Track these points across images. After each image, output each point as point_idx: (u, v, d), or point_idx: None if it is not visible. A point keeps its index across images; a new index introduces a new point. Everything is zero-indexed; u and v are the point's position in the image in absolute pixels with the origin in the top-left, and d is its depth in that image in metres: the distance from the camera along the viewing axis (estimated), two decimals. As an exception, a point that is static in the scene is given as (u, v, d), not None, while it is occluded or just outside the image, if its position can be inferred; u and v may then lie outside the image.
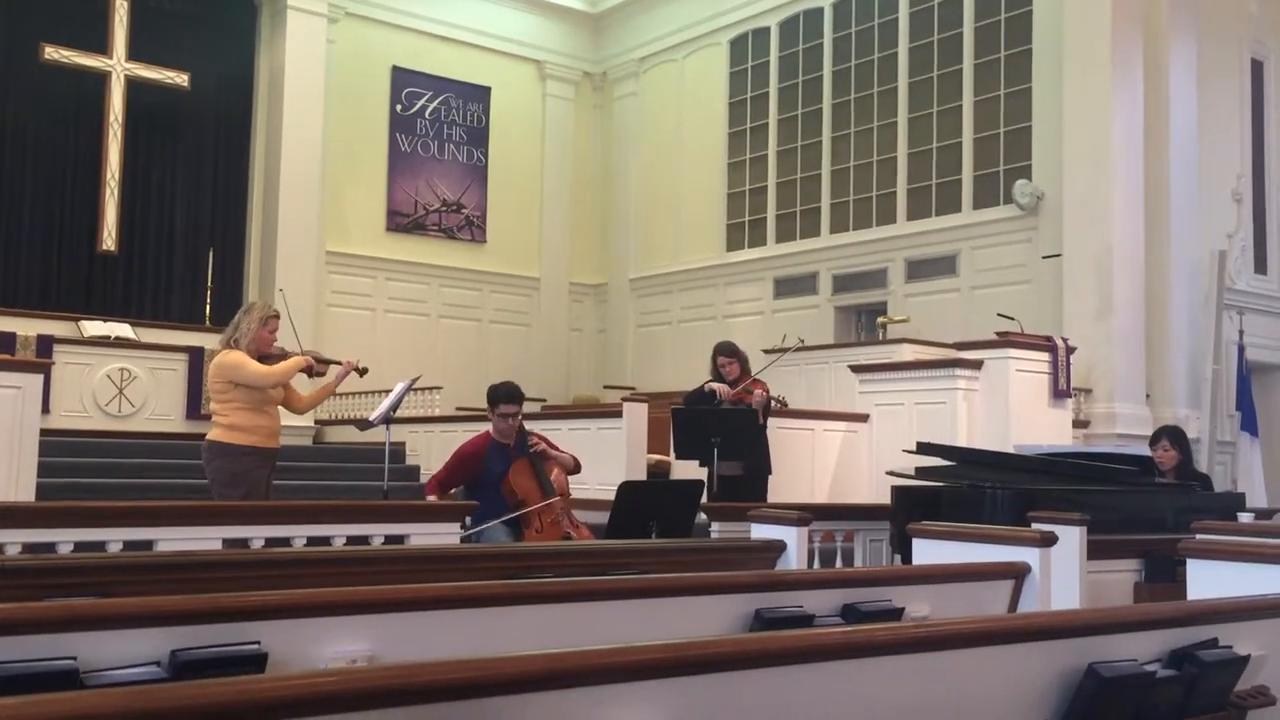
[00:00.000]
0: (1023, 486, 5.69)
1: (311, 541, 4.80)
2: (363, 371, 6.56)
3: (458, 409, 12.85)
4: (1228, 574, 3.41)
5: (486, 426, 6.53)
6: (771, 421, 8.60)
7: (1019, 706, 2.49)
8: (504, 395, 6.37)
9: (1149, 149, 11.10)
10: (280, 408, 6.30)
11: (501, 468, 6.19)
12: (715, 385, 7.76)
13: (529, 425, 6.66)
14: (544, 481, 6.18)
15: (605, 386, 15.68)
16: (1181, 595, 3.76)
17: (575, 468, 6.48)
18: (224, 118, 14.15)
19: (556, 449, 6.47)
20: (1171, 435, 7.15)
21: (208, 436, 6.12)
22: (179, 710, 1.46)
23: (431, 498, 6.19)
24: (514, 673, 1.78)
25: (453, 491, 6.42)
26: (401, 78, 15.26)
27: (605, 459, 8.66)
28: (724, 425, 7.49)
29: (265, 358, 6.21)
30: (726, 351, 7.86)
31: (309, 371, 6.34)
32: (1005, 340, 8.86)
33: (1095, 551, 4.70)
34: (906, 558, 4.91)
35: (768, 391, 7.79)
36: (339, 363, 6.58)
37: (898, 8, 13.29)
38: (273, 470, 6.27)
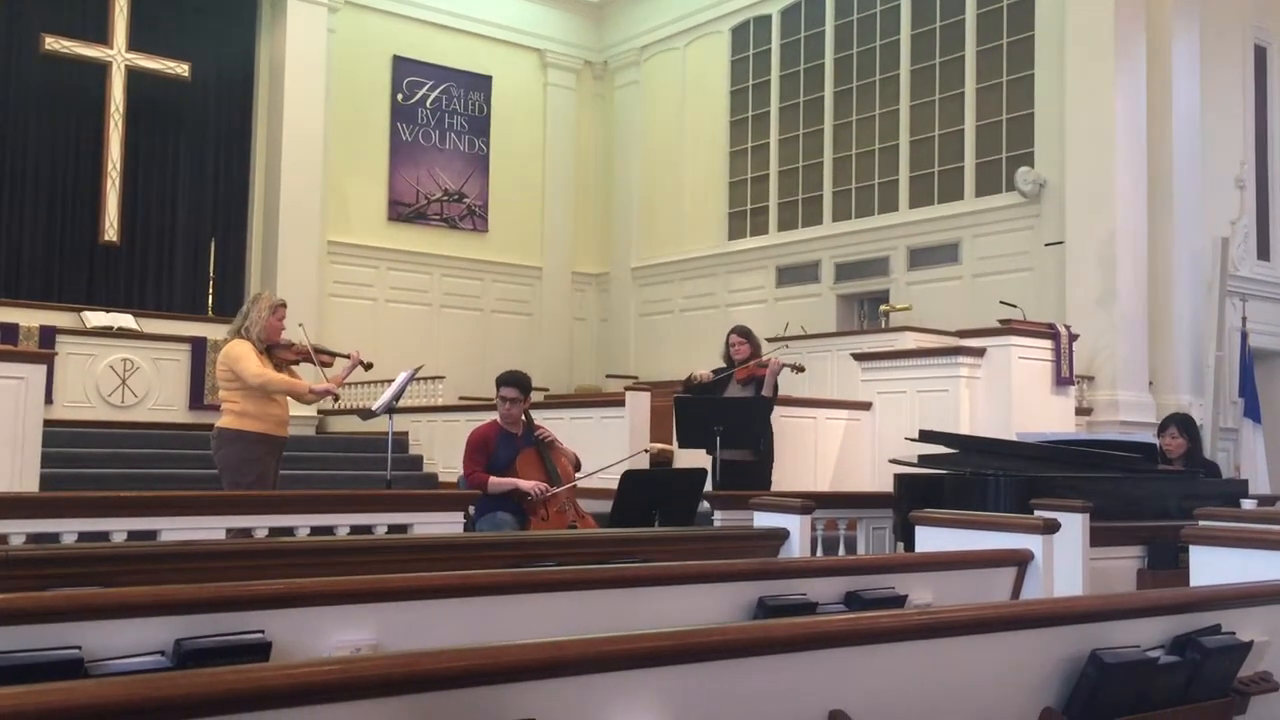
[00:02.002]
0: (1025, 474, 5.69)
1: (315, 531, 4.81)
2: (368, 366, 6.58)
3: (460, 399, 12.86)
4: (1231, 560, 3.41)
5: (492, 416, 6.55)
6: (775, 409, 8.59)
7: (1022, 693, 2.49)
8: (503, 379, 6.41)
9: (1152, 135, 11.08)
10: (288, 398, 6.33)
11: (509, 455, 6.21)
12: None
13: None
14: (551, 470, 6.21)
15: (608, 376, 15.68)
16: (1184, 582, 3.77)
17: (576, 465, 6.50)
18: (225, 108, 14.14)
19: (560, 445, 6.49)
20: (1180, 423, 7.12)
21: (217, 424, 6.15)
22: (183, 699, 1.46)
23: (490, 478, 6.13)
24: (517, 661, 1.78)
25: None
26: (402, 67, 15.23)
27: (608, 448, 8.66)
28: (726, 413, 7.49)
29: (274, 347, 6.24)
30: (739, 332, 7.92)
31: (329, 394, 6.40)
32: (1008, 328, 8.85)
33: (1098, 539, 4.70)
34: (909, 545, 4.91)
35: (781, 361, 7.77)
36: (345, 356, 6.60)
37: (899, -5, 13.26)
38: (280, 458, 6.30)
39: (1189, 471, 6.78)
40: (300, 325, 6.63)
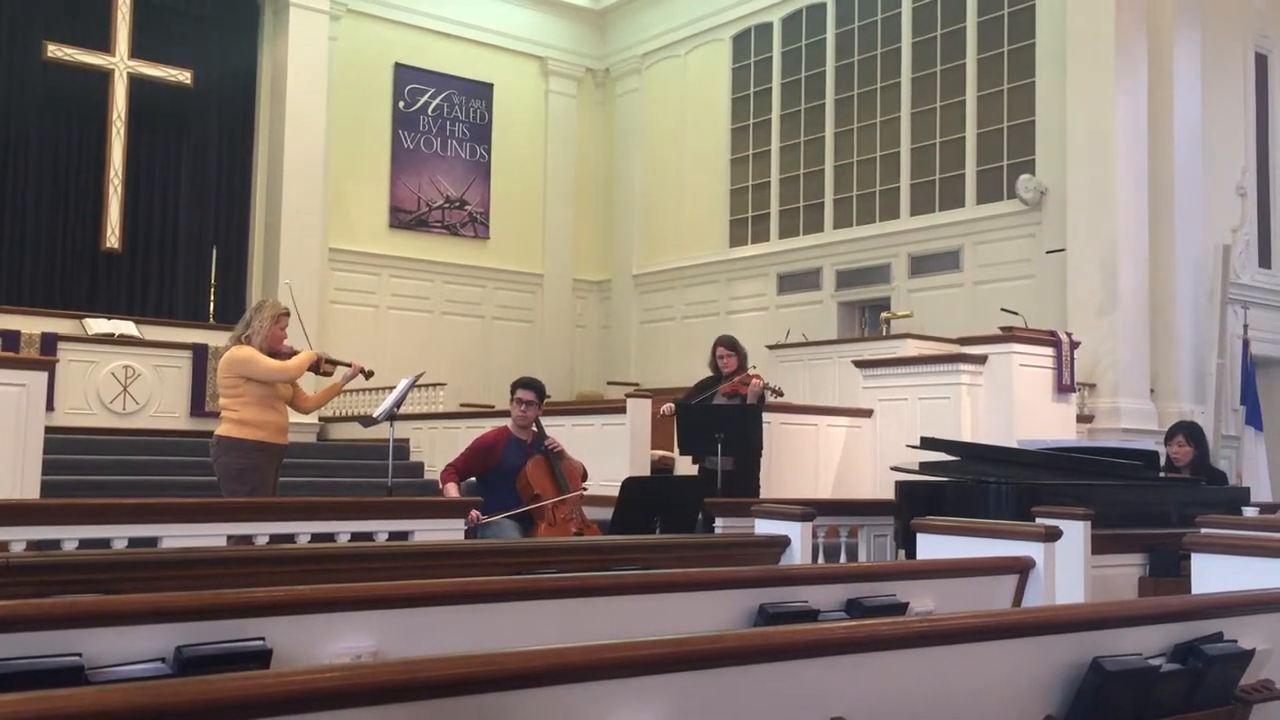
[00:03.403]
0: (1027, 481, 5.69)
1: (316, 538, 4.81)
2: (369, 374, 6.59)
3: (461, 405, 12.87)
4: (1232, 568, 3.40)
5: (493, 423, 6.57)
6: (775, 417, 8.60)
7: (1023, 701, 2.49)
8: (520, 381, 6.48)
9: (1153, 143, 11.09)
10: (289, 407, 6.33)
11: (518, 461, 6.24)
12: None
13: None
14: (560, 479, 6.23)
15: (609, 383, 15.69)
16: (1186, 589, 3.76)
17: (584, 475, 6.52)
18: (227, 115, 14.15)
19: (569, 455, 6.51)
20: (1187, 431, 7.12)
21: (216, 432, 6.13)
22: (184, 706, 1.46)
23: (450, 485, 6.17)
24: (518, 668, 1.78)
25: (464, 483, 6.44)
26: (404, 74, 15.26)
27: (609, 455, 8.67)
28: (728, 421, 7.49)
29: (275, 355, 6.23)
30: (725, 344, 7.89)
31: (316, 368, 6.37)
32: (1009, 335, 8.85)
33: (1100, 546, 4.71)
34: (911, 553, 4.91)
35: (764, 381, 7.80)
36: (347, 364, 6.60)
37: (900, 2, 13.28)
38: (280, 466, 6.29)
39: (1190, 479, 6.77)
40: (288, 285, 6.59)
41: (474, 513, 5.95)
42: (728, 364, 7.80)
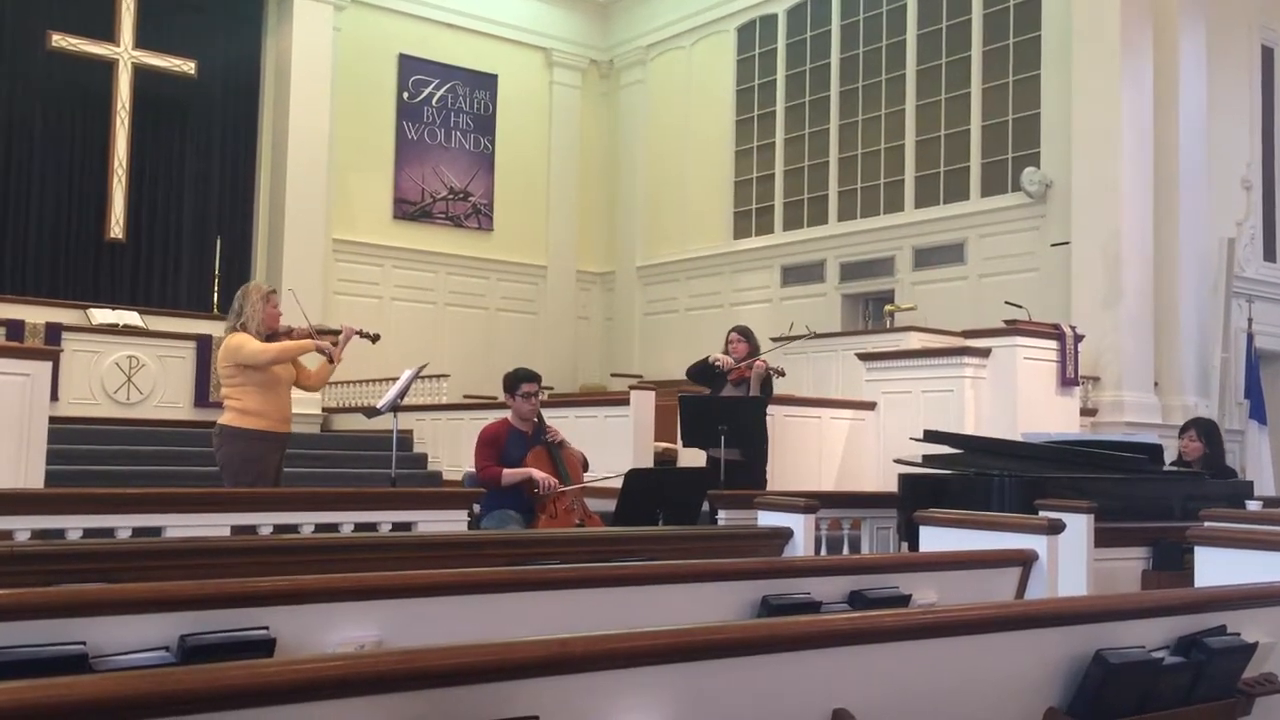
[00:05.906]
0: (1030, 474, 5.69)
1: (320, 528, 4.81)
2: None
3: (465, 397, 12.87)
4: (1236, 561, 3.40)
5: (495, 414, 6.56)
6: (779, 409, 8.59)
7: (1026, 692, 2.49)
8: (524, 375, 6.46)
9: (1158, 136, 11.06)
10: (293, 390, 6.31)
11: (519, 453, 6.24)
12: (718, 356, 7.84)
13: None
14: (561, 469, 6.24)
15: (612, 375, 15.69)
16: (1189, 583, 3.76)
17: (585, 464, 6.52)
18: (231, 106, 14.16)
19: (569, 445, 6.52)
20: (1200, 426, 7.09)
21: (219, 421, 6.13)
22: (187, 694, 1.46)
23: (503, 470, 6.14)
24: (521, 658, 1.78)
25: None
26: (408, 65, 15.24)
27: (612, 447, 8.67)
28: (731, 412, 7.49)
29: (273, 336, 6.21)
30: (739, 331, 7.99)
31: (329, 356, 6.33)
32: (1013, 328, 8.84)
33: (1103, 539, 4.71)
34: (914, 545, 4.90)
35: (767, 364, 7.82)
36: (337, 330, 6.55)
37: (906, -6, 13.25)
38: (283, 455, 6.28)
39: (1193, 472, 6.76)
40: (290, 290, 6.58)
41: (550, 478, 6.00)
42: (737, 350, 7.84)
